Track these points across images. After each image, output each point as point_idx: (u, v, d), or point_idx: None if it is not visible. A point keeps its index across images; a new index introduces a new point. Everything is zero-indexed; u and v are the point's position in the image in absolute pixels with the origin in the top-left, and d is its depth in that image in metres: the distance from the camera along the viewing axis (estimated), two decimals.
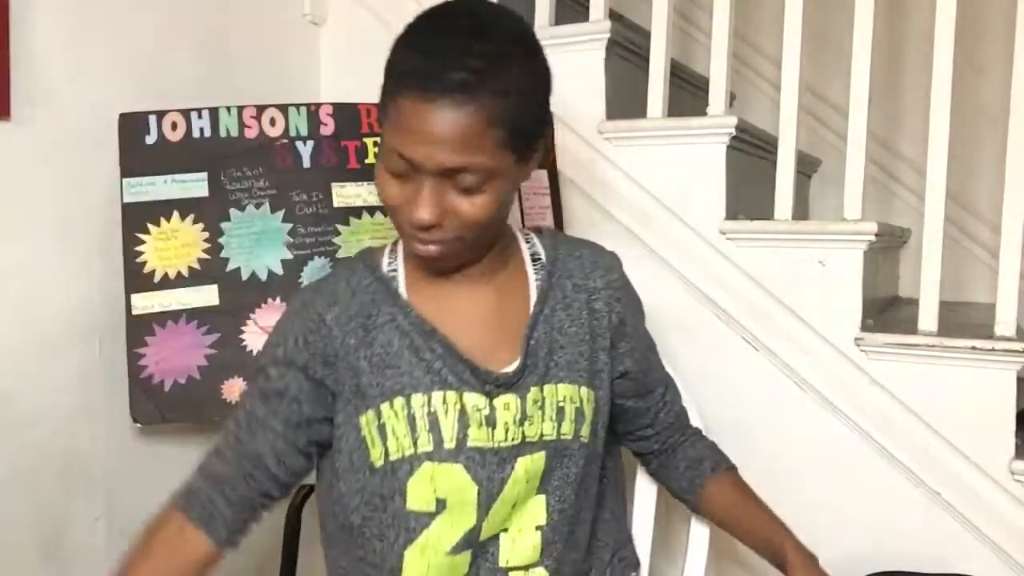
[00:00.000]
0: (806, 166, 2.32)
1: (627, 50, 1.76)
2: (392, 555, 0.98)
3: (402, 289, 1.00)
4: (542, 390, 0.98)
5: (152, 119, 1.42)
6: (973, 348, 1.40)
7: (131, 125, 1.41)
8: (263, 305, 1.43)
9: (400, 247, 1.04)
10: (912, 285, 1.98)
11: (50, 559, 1.37)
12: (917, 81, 2.21)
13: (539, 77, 0.92)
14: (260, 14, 1.75)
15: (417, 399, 0.95)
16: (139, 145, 1.41)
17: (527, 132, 0.90)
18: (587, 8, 1.71)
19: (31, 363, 1.34)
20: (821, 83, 2.39)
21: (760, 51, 2.56)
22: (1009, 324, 1.42)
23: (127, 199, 1.40)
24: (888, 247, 1.98)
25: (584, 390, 1.01)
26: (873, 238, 1.50)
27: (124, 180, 1.40)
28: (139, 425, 1.41)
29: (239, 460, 0.98)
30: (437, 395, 0.95)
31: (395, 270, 1.02)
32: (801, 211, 1.99)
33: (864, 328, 1.49)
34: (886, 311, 1.87)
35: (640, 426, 1.18)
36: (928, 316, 1.47)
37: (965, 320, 1.66)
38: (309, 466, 1.03)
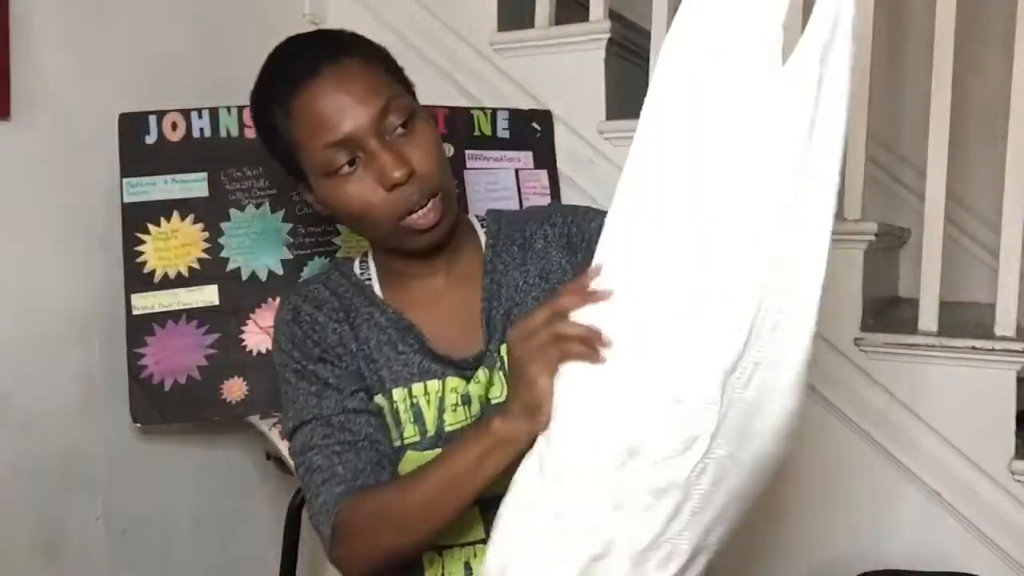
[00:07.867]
0: None
1: (627, 50, 1.76)
2: None
3: (377, 291, 1.02)
4: (500, 351, 0.98)
5: (152, 119, 1.42)
6: (973, 348, 1.40)
7: (131, 125, 1.41)
8: (263, 305, 1.43)
9: (370, 258, 1.05)
10: (912, 285, 1.97)
11: (50, 559, 1.37)
12: (917, 81, 2.21)
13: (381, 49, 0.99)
14: (260, 14, 1.75)
15: (398, 393, 0.97)
16: (139, 145, 1.41)
17: (404, 79, 0.98)
18: (587, 8, 1.71)
19: (31, 363, 1.34)
20: None
21: None
22: (1009, 324, 1.42)
23: (127, 199, 1.40)
24: (888, 247, 1.98)
25: None
26: (873, 238, 1.50)
27: (124, 180, 1.40)
28: (139, 425, 1.42)
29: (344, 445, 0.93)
30: (418, 386, 0.97)
31: (369, 278, 1.04)
32: None
33: (864, 328, 1.50)
34: (886, 311, 1.87)
35: None
36: (928, 316, 1.47)
37: (965, 320, 1.66)
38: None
